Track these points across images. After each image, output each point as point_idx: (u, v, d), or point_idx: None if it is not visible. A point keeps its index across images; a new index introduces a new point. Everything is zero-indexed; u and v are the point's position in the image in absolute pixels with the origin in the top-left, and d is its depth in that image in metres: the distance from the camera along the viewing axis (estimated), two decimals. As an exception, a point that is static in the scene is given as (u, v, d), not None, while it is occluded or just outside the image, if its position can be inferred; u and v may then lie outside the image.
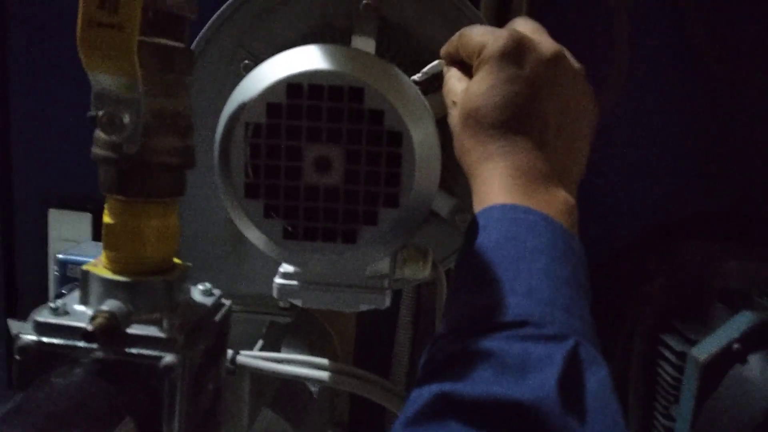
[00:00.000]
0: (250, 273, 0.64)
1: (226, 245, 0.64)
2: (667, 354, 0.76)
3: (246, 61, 0.62)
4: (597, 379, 0.30)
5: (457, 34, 0.45)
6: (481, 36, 0.42)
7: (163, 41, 0.34)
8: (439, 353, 0.32)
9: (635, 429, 0.79)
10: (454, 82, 0.44)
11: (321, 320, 0.77)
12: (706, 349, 0.70)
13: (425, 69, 0.56)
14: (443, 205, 0.63)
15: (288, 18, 0.62)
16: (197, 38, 0.61)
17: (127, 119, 0.33)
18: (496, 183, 0.39)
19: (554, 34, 0.44)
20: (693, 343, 0.72)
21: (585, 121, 0.44)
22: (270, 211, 0.37)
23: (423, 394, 0.29)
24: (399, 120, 0.36)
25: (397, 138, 0.37)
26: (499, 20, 0.77)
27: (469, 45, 0.43)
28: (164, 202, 0.37)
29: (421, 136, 0.38)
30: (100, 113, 0.33)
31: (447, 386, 0.29)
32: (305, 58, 0.37)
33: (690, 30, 0.83)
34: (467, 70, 0.44)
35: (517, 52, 0.40)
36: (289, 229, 0.38)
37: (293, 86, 0.36)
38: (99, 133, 0.34)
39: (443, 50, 0.48)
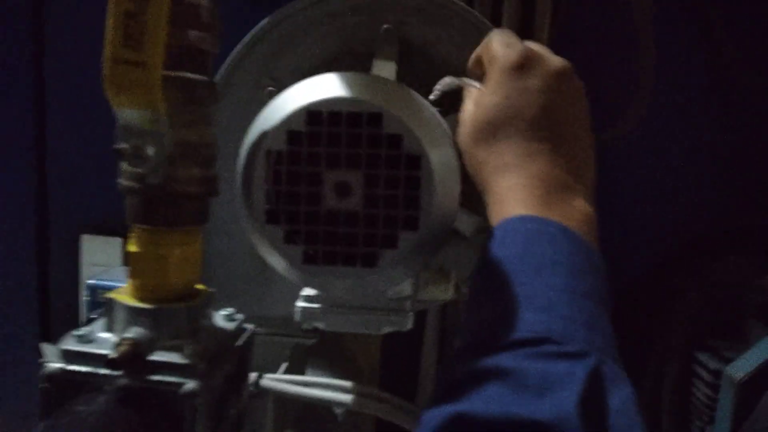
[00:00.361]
0: (275, 295, 0.64)
1: (251, 268, 0.65)
2: (702, 373, 0.74)
3: (270, 88, 0.63)
4: (621, 397, 0.29)
5: (477, 49, 0.46)
6: (497, 47, 0.43)
7: (187, 75, 0.35)
8: (454, 371, 0.32)
9: (670, 451, 0.77)
10: (466, 102, 0.44)
11: (346, 341, 0.77)
12: (742, 367, 0.68)
13: (437, 86, 0.56)
14: (466, 224, 0.63)
15: (310, 45, 0.63)
16: (223, 66, 0.63)
17: (151, 152, 0.34)
18: (512, 194, 0.39)
19: (578, 51, 0.44)
20: (728, 361, 0.70)
21: (588, 132, 0.44)
22: (291, 237, 0.38)
23: (438, 414, 0.28)
24: (417, 143, 0.37)
25: (416, 161, 0.37)
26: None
27: (483, 59, 0.44)
28: (187, 231, 0.37)
29: (440, 158, 0.38)
30: (126, 146, 0.34)
31: (463, 406, 0.28)
32: (324, 86, 0.38)
33: (716, 38, 0.81)
34: None
35: (527, 64, 0.40)
36: (310, 253, 0.38)
37: (313, 114, 0.37)
38: (124, 165, 0.35)
39: (471, 60, 0.48)
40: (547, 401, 0.28)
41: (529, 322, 0.32)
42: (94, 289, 0.68)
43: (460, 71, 0.58)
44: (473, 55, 0.47)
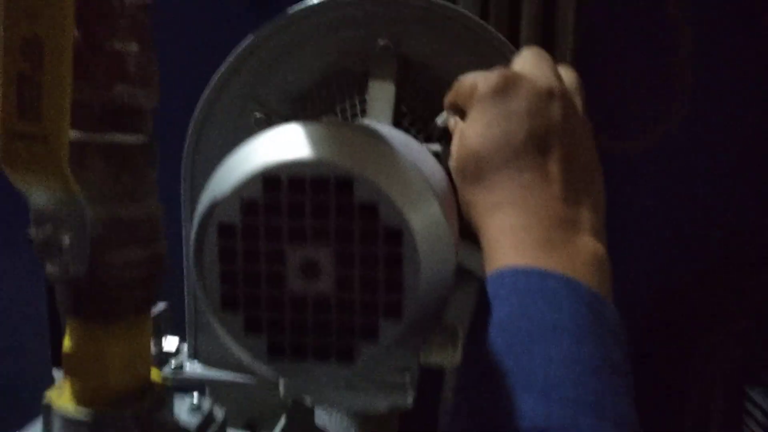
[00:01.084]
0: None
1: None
2: (754, 410, 0.66)
3: (257, 114, 0.57)
4: None
5: (455, 85, 0.42)
6: (473, 79, 0.39)
7: (116, 137, 0.29)
8: None
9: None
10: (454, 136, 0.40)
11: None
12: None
13: (438, 120, 0.50)
14: (477, 261, 0.56)
15: (300, 65, 0.56)
16: (205, 93, 0.57)
17: (67, 241, 0.28)
18: (505, 238, 0.34)
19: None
20: (786, 399, 0.62)
21: (591, 151, 0.38)
22: (252, 325, 0.32)
23: None
24: (397, 213, 0.30)
25: (396, 235, 0.30)
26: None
27: (461, 91, 0.40)
28: (129, 323, 0.31)
29: (426, 228, 0.31)
30: (38, 236, 0.28)
31: None
32: (283, 143, 0.31)
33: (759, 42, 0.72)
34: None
35: (509, 86, 0.37)
36: (275, 345, 0.32)
37: (270, 179, 0.30)
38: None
39: (446, 100, 0.44)
40: None
41: (524, 410, 0.27)
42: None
43: None
44: (447, 99, 0.43)
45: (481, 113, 0.37)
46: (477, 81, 0.38)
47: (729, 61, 0.75)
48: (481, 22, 0.54)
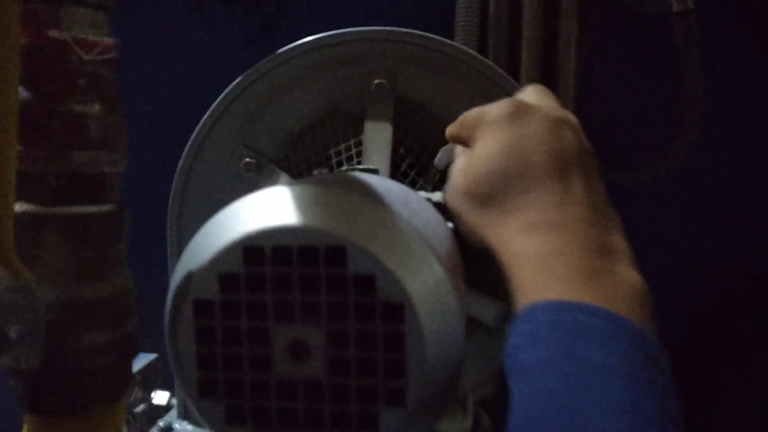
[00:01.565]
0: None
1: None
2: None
3: (247, 160, 0.54)
4: None
5: (460, 117, 0.41)
6: (479, 109, 0.38)
7: (75, 209, 0.26)
8: None
9: None
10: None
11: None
12: None
13: (436, 162, 0.48)
14: (487, 311, 0.52)
15: (290, 107, 0.53)
16: (191, 137, 0.54)
17: (14, 331, 0.24)
18: (537, 265, 0.31)
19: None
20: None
21: (602, 182, 0.36)
22: (234, 415, 0.28)
23: None
24: (396, 285, 0.26)
25: (396, 310, 0.26)
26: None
27: (467, 120, 0.39)
28: (98, 416, 0.28)
29: (430, 299, 0.27)
30: (-19, 326, 0.24)
31: None
32: (265, 209, 0.27)
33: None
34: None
35: (521, 112, 0.36)
36: (261, 437, 0.28)
37: (251, 250, 0.27)
38: (-11, 346, 0.25)
39: (448, 131, 0.43)
40: None
41: None
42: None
43: None
44: (449, 130, 0.42)
45: (494, 135, 0.35)
46: (485, 109, 0.37)
47: (737, 91, 0.72)
48: (482, 58, 0.51)
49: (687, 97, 0.68)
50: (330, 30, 0.75)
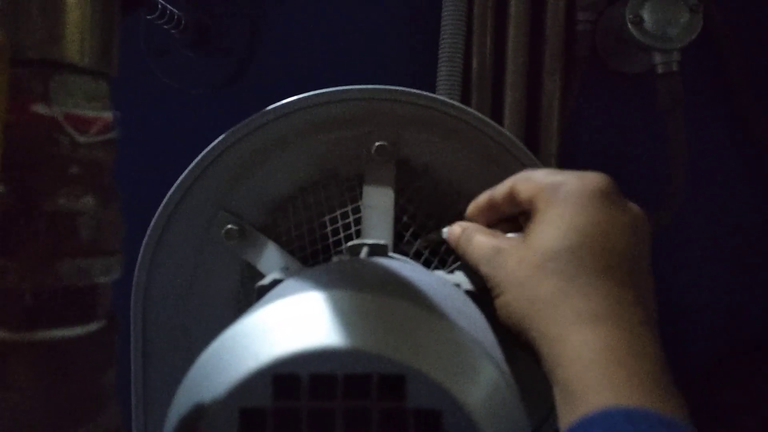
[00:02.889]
0: None
1: None
2: None
3: (229, 226, 0.48)
4: None
5: (508, 182, 0.37)
6: (553, 176, 0.34)
7: (54, 334, 0.20)
8: None
9: None
10: (481, 237, 0.36)
11: None
12: None
13: (429, 236, 0.46)
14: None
15: (280, 168, 0.48)
16: (160, 208, 0.47)
17: None
18: (605, 361, 0.27)
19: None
20: None
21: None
22: None
23: None
24: (467, 420, 0.21)
25: (467, 452, 0.21)
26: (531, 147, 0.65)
27: (530, 188, 0.34)
28: None
29: (502, 426, 0.22)
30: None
31: None
32: (298, 324, 0.22)
33: (752, 125, 0.70)
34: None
35: (615, 193, 0.33)
36: None
37: (284, 379, 0.21)
38: None
39: (480, 204, 0.39)
40: None
41: None
42: None
43: (472, 193, 0.44)
44: (504, 190, 0.37)
45: (584, 208, 0.32)
46: (558, 179, 0.34)
47: (722, 149, 0.72)
48: (486, 118, 0.47)
49: (672, 157, 0.67)
50: (309, 80, 0.71)
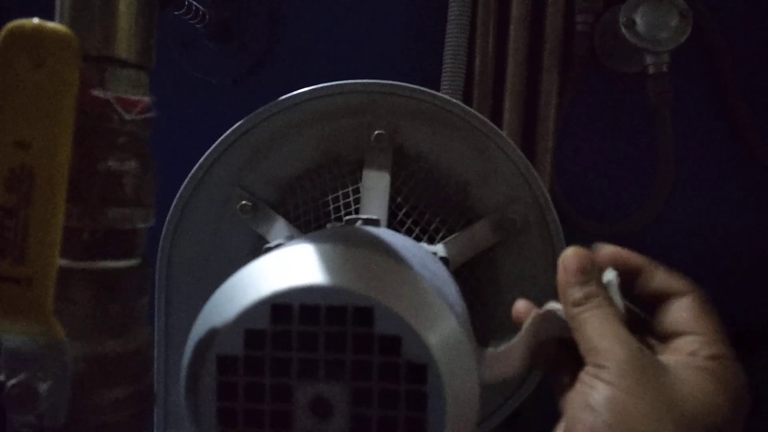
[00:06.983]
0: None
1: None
2: None
3: (244, 202, 0.54)
4: None
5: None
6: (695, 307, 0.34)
7: (105, 264, 0.26)
8: None
9: None
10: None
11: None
12: None
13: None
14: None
15: (289, 153, 0.54)
16: (186, 181, 0.54)
17: (44, 388, 0.24)
18: None
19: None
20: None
21: None
22: (253, 472, 0.28)
23: None
24: (421, 346, 0.27)
25: (420, 370, 0.27)
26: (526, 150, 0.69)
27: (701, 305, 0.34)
28: (110, 473, 0.27)
29: (452, 361, 0.28)
30: (10, 382, 0.24)
31: None
32: (294, 268, 0.28)
33: (741, 123, 0.74)
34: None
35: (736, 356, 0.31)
36: (280, 495, 0.28)
37: (280, 307, 0.27)
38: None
39: (659, 285, 0.36)
40: None
41: None
42: None
43: (464, 181, 0.49)
44: (660, 280, 0.36)
45: (733, 376, 0.30)
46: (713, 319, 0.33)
47: (709, 148, 0.76)
48: (473, 111, 0.52)
49: (660, 154, 0.71)
50: (321, 74, 0.77)
